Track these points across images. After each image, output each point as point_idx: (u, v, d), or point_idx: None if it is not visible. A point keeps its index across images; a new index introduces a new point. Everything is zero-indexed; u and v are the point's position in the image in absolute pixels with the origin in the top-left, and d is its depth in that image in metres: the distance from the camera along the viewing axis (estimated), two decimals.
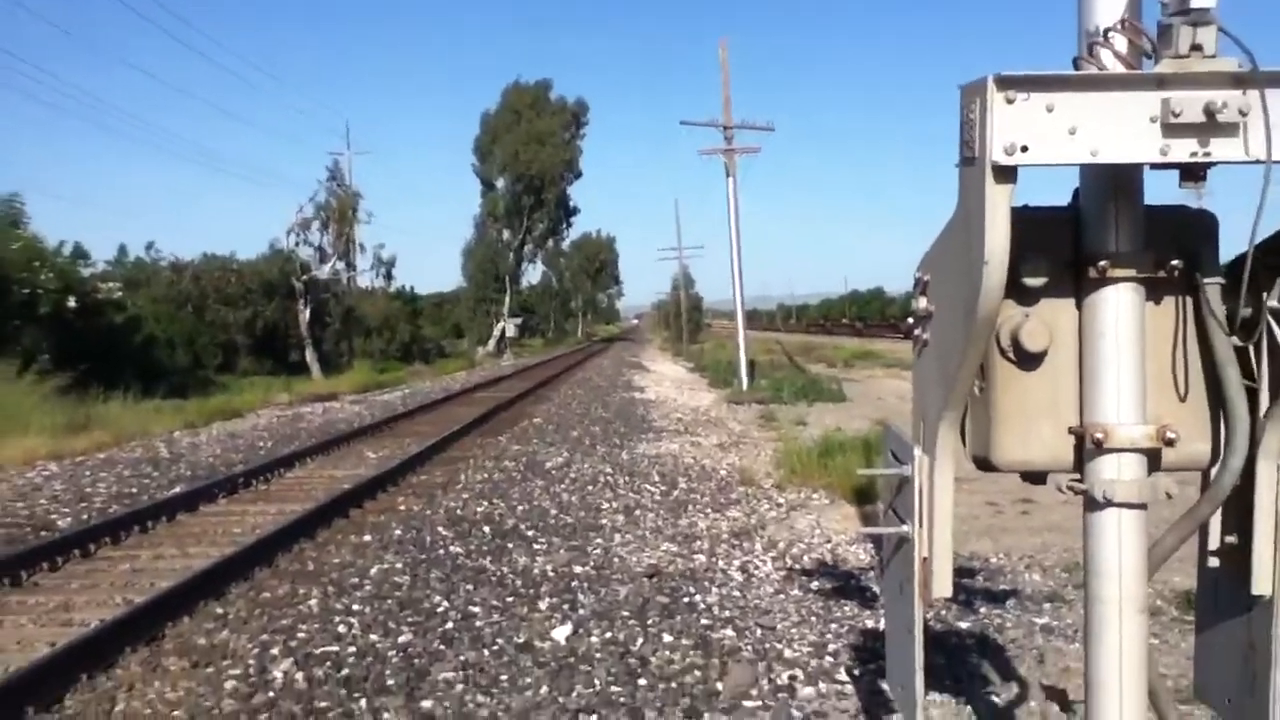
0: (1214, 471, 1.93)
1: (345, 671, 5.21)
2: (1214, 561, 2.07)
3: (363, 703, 4.82)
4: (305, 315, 37.60)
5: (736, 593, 6.64)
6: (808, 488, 10.34)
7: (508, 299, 62.94)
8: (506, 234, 65.92)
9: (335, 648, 5.59)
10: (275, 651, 5.52)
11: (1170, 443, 1.85)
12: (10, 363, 18.68)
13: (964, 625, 5.77)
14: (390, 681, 5.06)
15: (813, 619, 6.01)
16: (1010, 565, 7.11)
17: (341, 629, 5.93)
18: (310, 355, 37.40)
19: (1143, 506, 1.87)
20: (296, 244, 39.53)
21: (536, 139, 63.09)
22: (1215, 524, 2.03)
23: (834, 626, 5.84)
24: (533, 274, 77.46)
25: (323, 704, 4.81)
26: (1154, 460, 1.88)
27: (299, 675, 5.16)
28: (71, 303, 25.18)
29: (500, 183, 64.91)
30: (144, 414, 19.02)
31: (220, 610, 6.39)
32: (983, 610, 6.04)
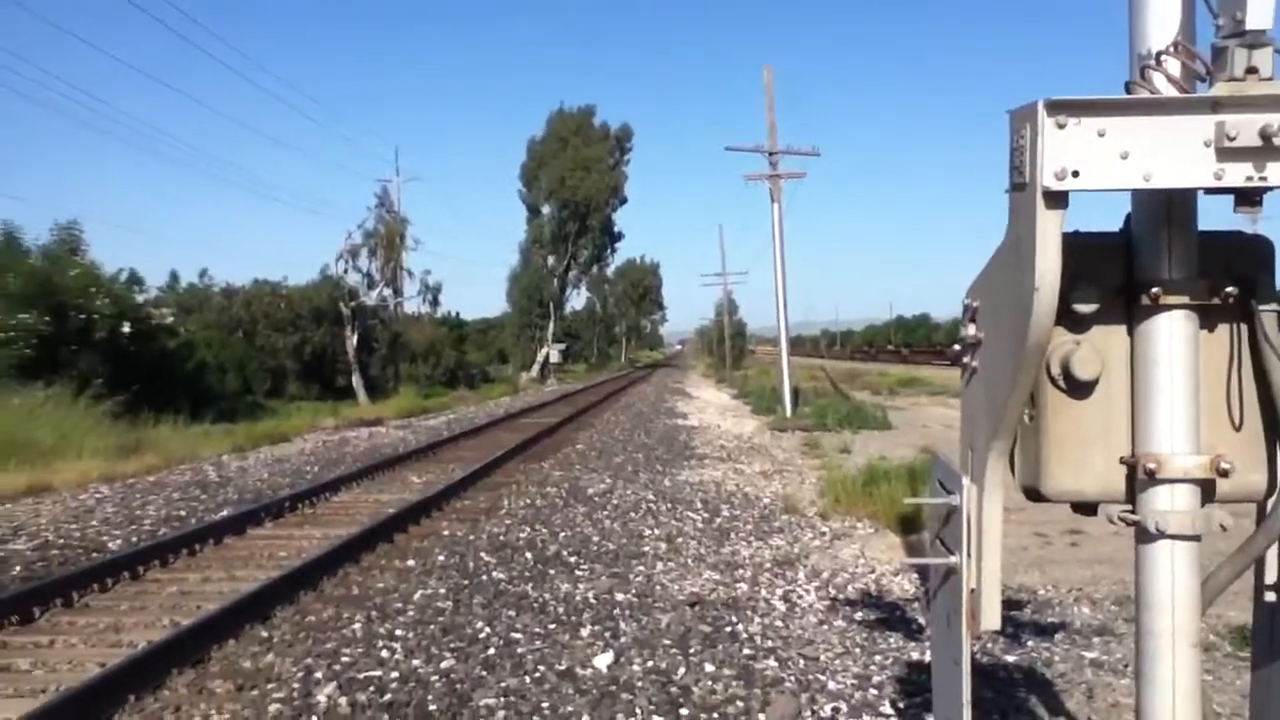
0: (1270, 503, 1.89)
1: (388, 697, 5.21)
2: (1271, 596, 2.02)
3: None
4: (353, 341, 38.08)
5: (779, 622, 6.57)
6: (852, 517, 10.24)
7: (552, 324, 63.31)
8: (551, 260, 66.43)
9: (378, 672, 5.60)
10: (319, 675, 5.55)
11: (1224, 473, 1.81)
12: (66, 386, 19.07)
13: (1011, 659, 5.66)
14: (433, 707, 5.05)
15: (856, 650, 5.92)
16: (1059, 598, 6.97)
17: (385, 654, 5.95)
18: (356, 380, 37.82)
19: (1196, 539, 1.83)
20: (345, 270, 40.16)
21: (582, 165, 63.66)
22: (1272, 557, 1.98)
23: (878, 658, 5.75)
24: (577, 300, 77.95)
25: None
26: (1208, 491, 1.84)
27: (342, 700, 5.17)
28: (126, 328, 25.72)
29: (546, 209, 65.49)
30: (193, 438, 19.35)
31: (265, 634, 6.43)
32: (1031, 643, 5.92)
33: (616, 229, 70.41)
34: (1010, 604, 6.59)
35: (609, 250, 72.03)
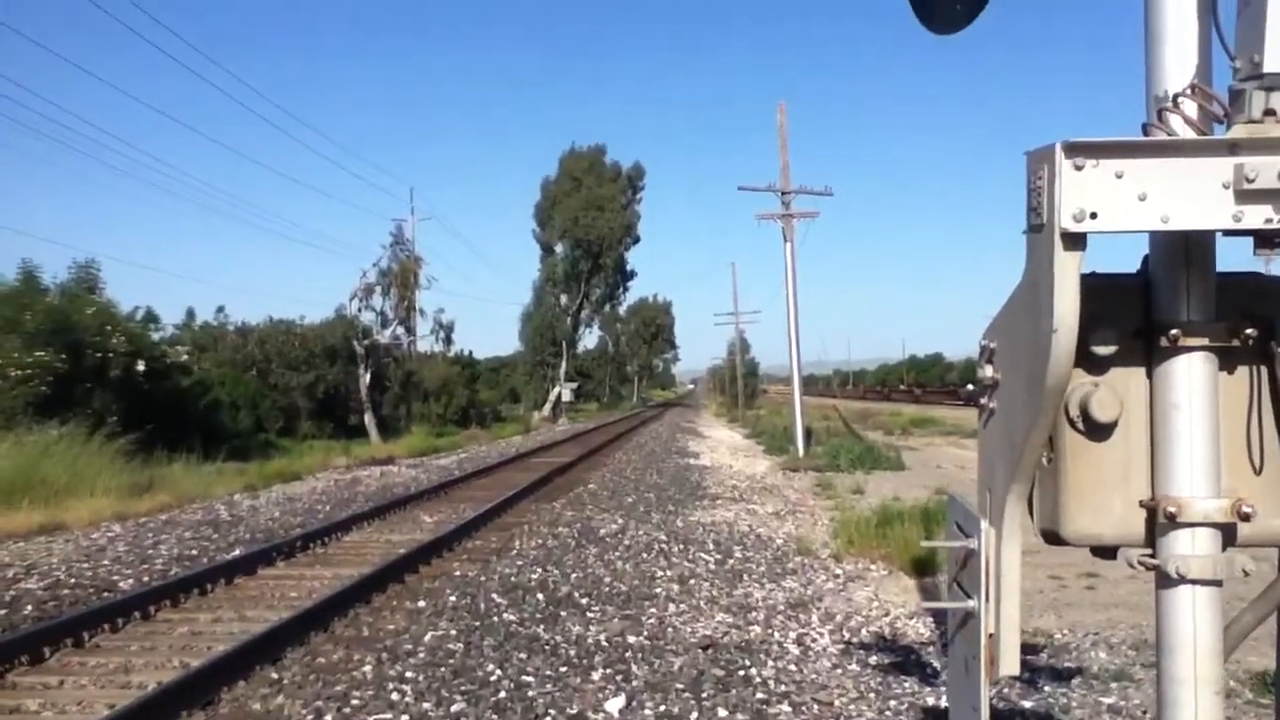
0: None
1: None
2: None
3: None
4: (366, 379, 38.17)
5: (793, 666, 6.50)
6: (865, 558, 10.15)
7: (564, 363, 63.43)
8: (564, 298, 66.72)
9: (388, 715, 5.55)
10: (329, 718, 5.50)
11: (1246, 517, 1.79)
12: (81, 424, 19.14)
13: (1028, 704, 5.58)
14: None
15: (871, 695, 5.85)
16: (1076, 642, 6.88)
17: (395, 696, 5.90)
18: (369, 419, 37.87)
19: (1218, 583, 1.80)
20: (360, 309, 40.33)
21: (595, 205, 64.15)
22: None
23: (893, 704, 5.68)
24: (589, 338, 78.16)
25: None
26: (1229, 535, 1.82)
27: None
28: (141, 366, 25.83)
29: (559, 247, 65.87)
30: (206, 476, 19.36)
31: (275, 675, 6.39)
32: (1047, 689, 5.84)
33: (629, 267, 70.81)
34: (1026, 648, 6.51)
35: (621, 289, 72.46)
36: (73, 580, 9.58)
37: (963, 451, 26.35)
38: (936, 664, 6.41)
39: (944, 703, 5.59)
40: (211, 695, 5.90)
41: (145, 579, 9.62)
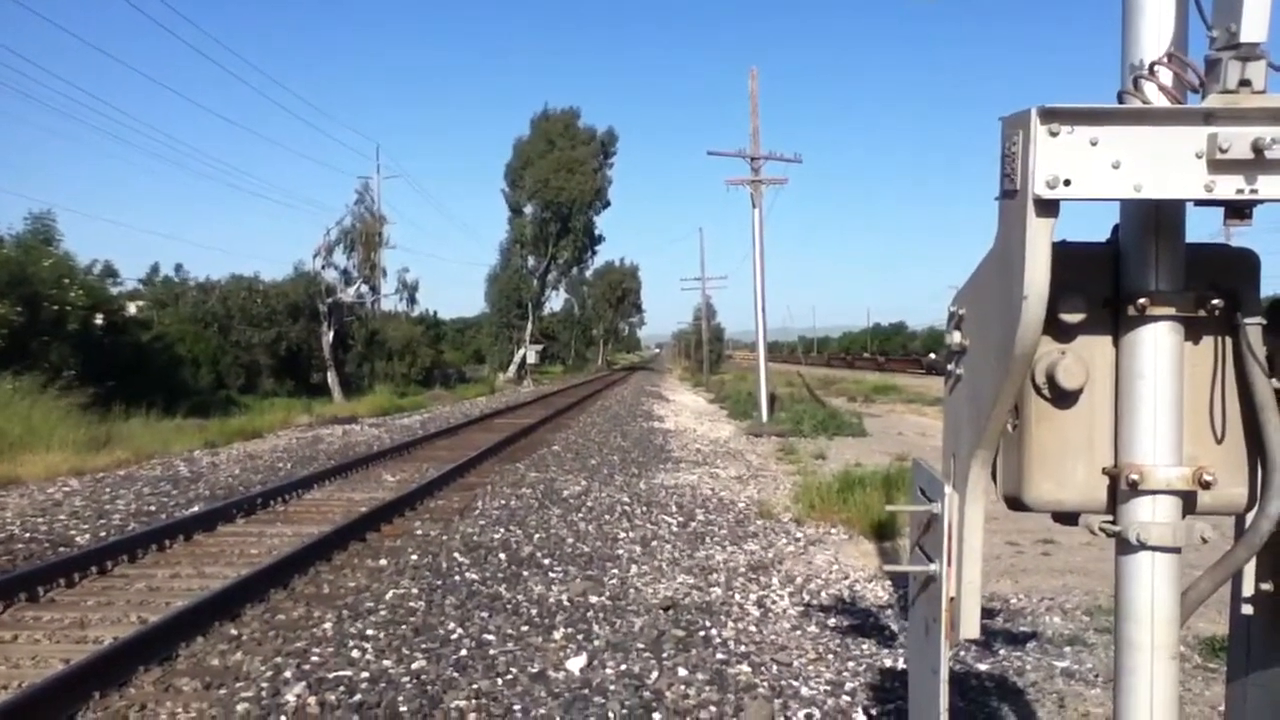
0: (1250, 516, 1.89)
1: (358, 697, 5.16)
2: (1247, 609, 2.02)
3: None
4: (328, 338, 37.87)
5: (753, 628, 6.56)
6: (826, 523, 10.25)
7: (529, 325, 63.17)
8: (531, 260, 66.34)
9: (349, 672, 5.55)
10: (288, 675, 5.49)
11: (1206, 485, 1.81)
12: (37, 378, 18.84)
13: (983, 667, 5.67)
14: (403, 708, 5.01)
15: (830, 656, 5.92)
16: (1031, 607, 7.00)
17: (355, 654, 5.89)
18: (332, 377, 37.61)
19: (1177, 550, 1.83)
20: (323, 267, 39.92)
21: (566, 167, 63.65)
22: (1250, 570, 1.98)
23: (851, 664, 5.75)
24: (555, 301, 77.82)
25: None
26: (1189, 503, 1.84)
27: (311, 699, 5.12)
28: (99, 320, 25.44)
29: (529, 209, 65.40)
30: (165, 432, 19.15)
31: (234, 631, 6.36)
32: (1002, 652, 5.94)
33: (597, 231, 70.44)
34: (983, 612, 6.59)
35: (589, 252, 72.04)
36: (28, 535, 9.47)
37: (923, 419, 26.61)
38: (894, 627, 6.49)
39: (901, 664, 5.67)
40: (169, 651, 5.87)
41: (102, 534, 9.52)
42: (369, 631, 6.34)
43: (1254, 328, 1.83)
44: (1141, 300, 1.76)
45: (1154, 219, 1.76)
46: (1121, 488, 1.82)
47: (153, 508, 11.17)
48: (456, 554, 8.66)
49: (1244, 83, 1.59)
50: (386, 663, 5.73)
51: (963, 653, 5.78)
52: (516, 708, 5.04)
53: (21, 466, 13.71)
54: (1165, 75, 1.70)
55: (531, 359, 62.48)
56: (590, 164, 65.51)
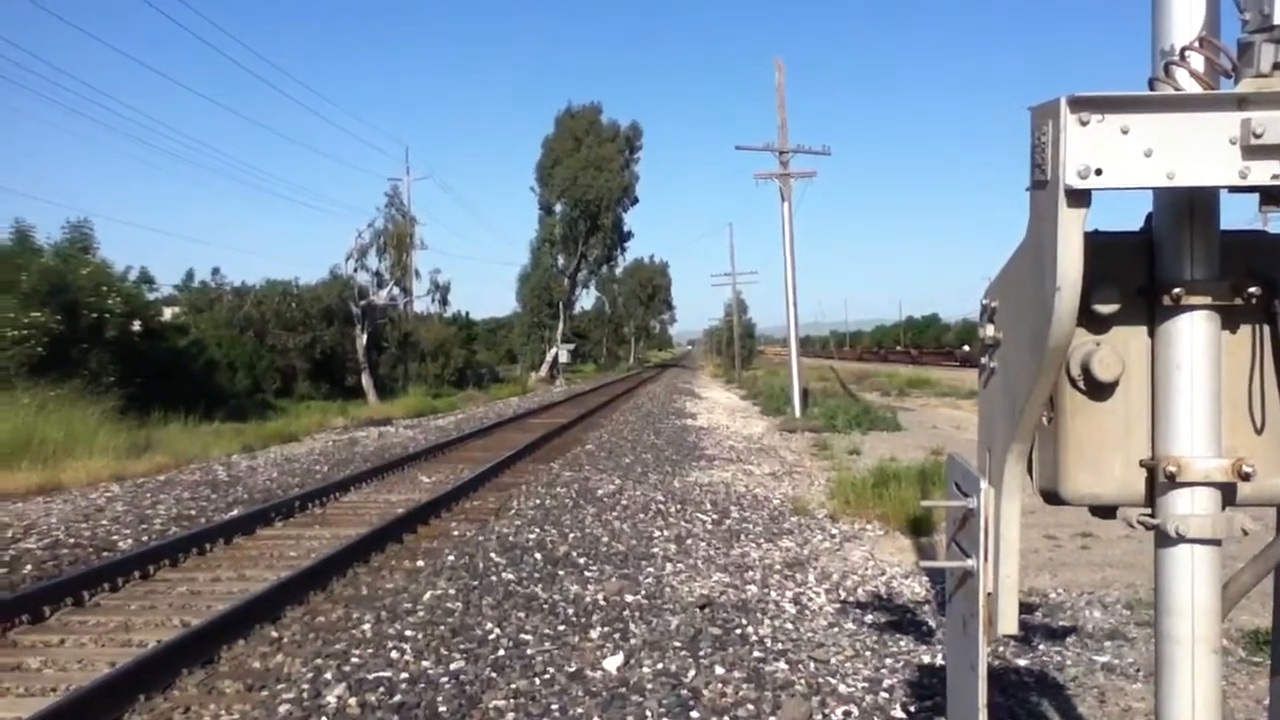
0: None
1: (397, 698, 5.20)
2: None
3: None
4: (362, 340, 38.14)
5: (789, 625, 6.54)
6: (861, 519, 10.20)
7: (561, 324, 63.30)
8: (561, 259, 66.43)
9: (388, 673, 5.59)
10: (329, 676, 5.54)
11: (1246, 477, 1.78)
12: (77, 386, 19.12)
13: (1022, 662, 5.62)
14: (442, 709, 5.04)
15: (867, 653, 5.89)
16: (1070, 601, 6.92)
17: (394, 654, 5.93)
18: (366, 380, 37.88)
19: (1217, 542, 1.80)
20: (355, 270, 40.24)
21: (594, 164, 63.65)
22: None
23: (889, 661, 5.72)
24: (586, 299, 77.91)
25: None
26: (1229, 494, 1.81)
27: (352, 700, 5.16)
28: (136, 326, 25.77)
29: (558, 207, 65.50)
30: (203, 437, 19.39)
31: (275, 634, 6.43)
32: (1042, 647, 5.89)
33: (626, 228, 70.43)
34: (1022, 607, 6.54)
35: (618, 250, 71.99)
36: (71, 540, 9.61)
37: (958, 413, 26.41)
38: (932, 623, 6.45)
39: (939, 661, 5.63)
40: (211, 654, 5.94)
41: (144, 539, 9.65)
42: (407, 632, 6.38)
43: None
44: (1177, 290, 1.73)
45: (1188, 207, 1.74)
46: (1159, 480, 1.80)
47: (193, 512, 11.30)
48: (493, 554, 8.70)
49: (1278, 66, 1.56)
50: (425, 663, 5.76)
51: (1002, 648, 5.74)
52: (554, 707, 5.05)
53: (64, 473, 13.93)
54: (1197, 60, 1.67)
55: (564, 358, 62.60)
56: (617, 161, 65.46)
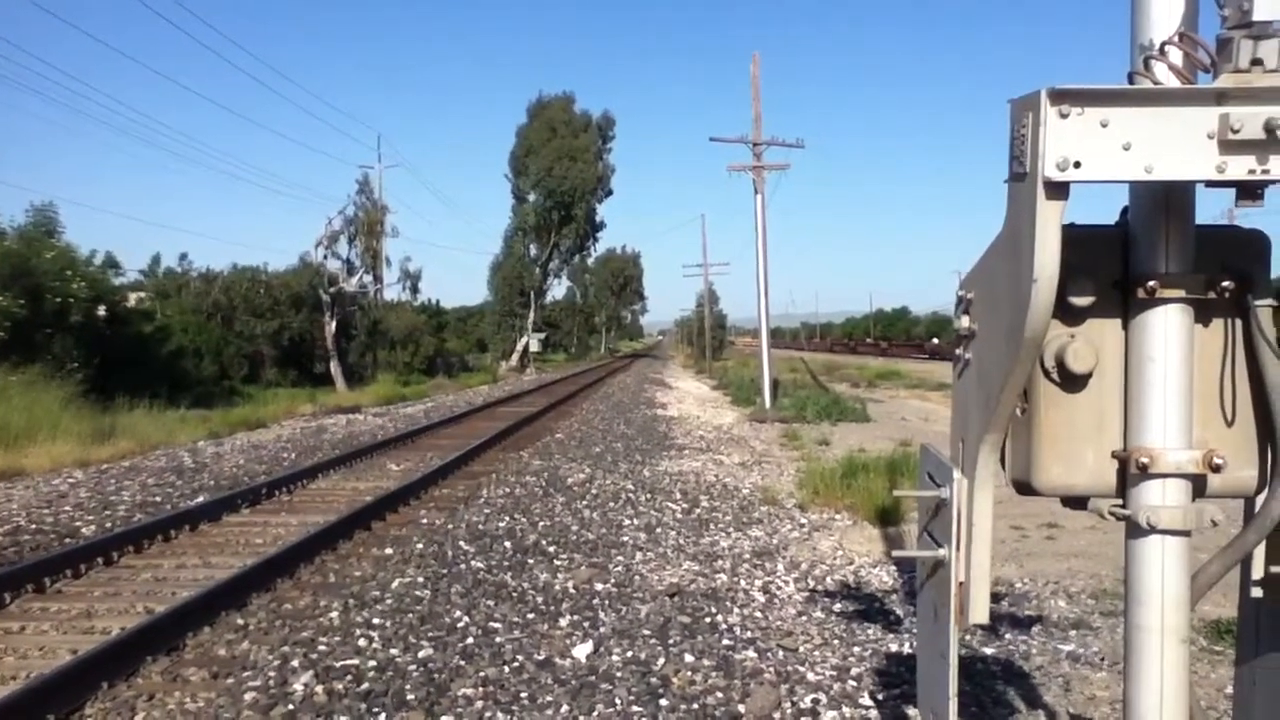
0: (1260, 499, 1.88)
1: (365, 685, 5.17)
2: (1257, 592, 2.02)
3: (382, 717, 4.79)
4: (331, 327, 37.86)
5: (759, 613, 6.57)
6: (830, 508, 10.25)
7: (532, 313, 63.12)
8: (534, 248, 66.22)
9: (355, 661, 5.56)
10: (295, 664, 5.50)
11: (1216, 469, 1.80)
12: (40, 370, 18.85)
13: (989, 651, 5.68)
14: (410, 696, 5.02)
15: (835, 642, 5.93)
16: (1036, 591, 7.00)
17: (362, 642, 5.90)
18: (335, 367, 37.63)
19: (1187, 534, 1.82)
20: (325, 257, 39.92)
21: (568, 155, 63.43)
22: (1259, 553, 1.98)
23: (857, 650, 5.76)
24: (557, 289, 77.71)
25: (342, 718, 4.78)
26: (1199, 486, 1.83)
27: (319, 688, 5.13)
28: (101, 311, 25.43)
29: (532, 196, 65.24)
30: (169, 423, 19.17)
31: (241, 621, 6.37)
32: (1008, 636, 5.95)
33: (599, 219, 70.28)
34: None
35: (591, 240, 71.82)
36: (33, 526, 9.48)
37: (927, 404, 26.61)
38: (900, 611, 6.50)
39: (907, 649, 5.68)
40: (176, 641, 5.89)
41: (108, 525, 9.54)
42: (375, 620, 6.35)
43: (1265, 310, 1.82)
44: (1151, 283, 1.75)
45: (1164, 201, 1.75)
46: (1131, 471, 1.81)
47: (158, 498, 11.18)
48: (462, 542, 8.67)
49: (1256, 62, 1.58)
50: (393, 651, 5.74)
51: (969, 637, 5.79)
52: (523, 695, 5.05)
53: (26, 458, 13.73)
54: (1176, 55, 1.68)
55: (534, 347, 62.45)
56: (591, 151, 65.28)
